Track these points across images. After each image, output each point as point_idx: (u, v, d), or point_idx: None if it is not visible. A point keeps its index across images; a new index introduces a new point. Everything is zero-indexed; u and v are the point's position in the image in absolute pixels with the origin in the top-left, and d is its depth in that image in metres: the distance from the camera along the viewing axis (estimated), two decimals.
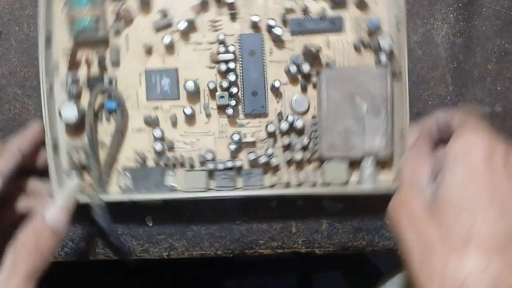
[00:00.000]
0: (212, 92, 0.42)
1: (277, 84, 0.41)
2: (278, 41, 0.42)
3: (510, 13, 0.45)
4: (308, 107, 0.42)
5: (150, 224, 0.45)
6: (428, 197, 0.32)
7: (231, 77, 0.41)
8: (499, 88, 0.45)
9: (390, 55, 0.41)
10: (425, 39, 0.45)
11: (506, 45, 0.45)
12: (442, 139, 0.37)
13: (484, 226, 0.29)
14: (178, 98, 0.42)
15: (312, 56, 0.42)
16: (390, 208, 0.34)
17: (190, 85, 0.41)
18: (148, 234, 0.46)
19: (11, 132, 0.44)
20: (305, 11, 0.42)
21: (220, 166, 0.41)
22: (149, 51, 0.42)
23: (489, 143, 0.31)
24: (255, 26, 0.42)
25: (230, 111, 0.41)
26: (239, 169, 0.42)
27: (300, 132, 0.42)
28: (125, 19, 0.42)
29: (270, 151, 0.42)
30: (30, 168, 0.41)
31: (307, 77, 0.42)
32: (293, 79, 0.42)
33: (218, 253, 0.46)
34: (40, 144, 0.41)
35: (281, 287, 0.96)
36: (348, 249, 0.46)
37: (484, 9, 0.45)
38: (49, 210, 0.36)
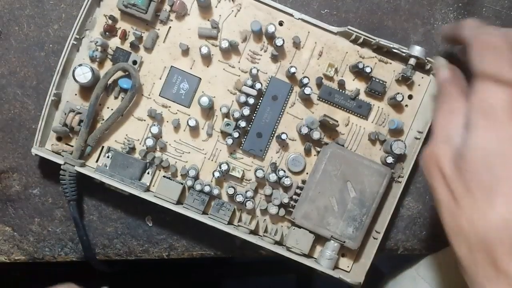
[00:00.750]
0: (222, 115, 0.42)
1: (283, 136, 0.41)
2: (304, 99, 0.43)
3: (510, 13, 0.45)
4: (303, 170, 0.43)
5: (150, 224, 0.45)
6: (457, 150, 0.31)
7: (245, 111, 0.41)
8: None
9: (398, 159, 0.42)
10: (425, 39, 0.45)
11: None
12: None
13: (507, 181, 0.29)
14: (189, 106, 0.42)
15: (326, 127, 0.42)
16: (422, 160, 0.34)
17: (205, 100, 0.41)
18: (148, 234, 0.45)
19: (11, 132, 0.44)
20: (341, 84, 0.42)
21: (198, 187, 0.41)
22: (184, 51, 0.42)
23: (508, 91, 0.30)
24: (289, 75, 0.42)
25: (230, 141, 0.41)
26: (213, 197, 0.42)
27: (285, 189, 0.43)
28: (177, 13, 0.42)
29: (249, 193, 0.42)
30: None
31: (314, 142, 0.42)
32: (301, 138, 0.43)
33: (218, 253, 0.46)
34: None
35: (281, 287, 0.96)
36: None
37: (484, 9, 0.45)
38: None
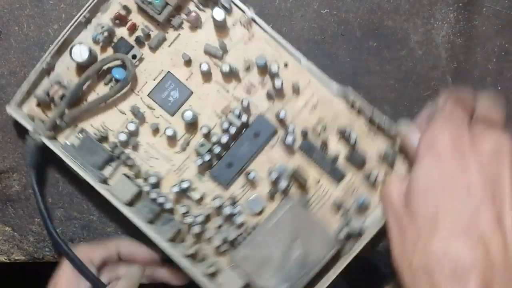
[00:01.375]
0: (202, 135, 0.42)
1: (252, 174, 0.41)
2: (284, 145, 0.42)
3: (510, 13, 0.45)
4: (260, 212, 0.42)
5: None
6: (407, 184, 0.34)
7: (224, 138, 0.41)
8: (499, 88, 0.45)
9: (352, 234, 0.41)
10: (425, 39, 0.44)
11: (507, 45, 0.45)
12: None
13: (448, 211, 0.31)
14: (172, 115, 0.42)
15: (296, 179, 0.41)
16: (380, 193, 0.37)
17: (188, 115, 0.41)
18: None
19: (11, 132, 0.44)
20: (324, 142, 0.42)
21: (153, 195, 0.41)
22: (186, 62, 0.42)
23: (454, 130, 0.33)
24: (278, 118, 0.42)
25: (199, 161, 0.41)
26: (164, 210, 0.42)
27: (236, 226, 0.42)
28: (191, 24, 0.42)
29: (200, 218, 0.41)
30: None
31: (281, 190, 0.42)
32: (269, 182, 0.42)
33: None
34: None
35: None
36: None
37: (484, 9, 0.45)
38: None
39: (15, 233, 0.45)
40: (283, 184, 0.41)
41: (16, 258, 0.46)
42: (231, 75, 0.42)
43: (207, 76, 0.42)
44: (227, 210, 0.41)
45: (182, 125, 0.42)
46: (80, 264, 0.39)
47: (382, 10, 0.45)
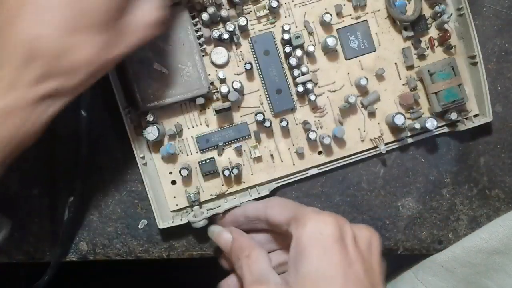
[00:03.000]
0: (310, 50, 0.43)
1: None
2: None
3: (510, 13, 0.45)
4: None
5: (141, 227, 0.44)
6: (283, 284, 0.34)
7: (303, 68, 0.42)
8: (499, 88, 0.45)
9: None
10: None
11: (506, 45, 0.45)
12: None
13: None
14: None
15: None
16: None
17: (332, 42, 0.42)
18: (148, 234, 0.44)
19: None
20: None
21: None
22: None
23: (337, 225, 0.34)
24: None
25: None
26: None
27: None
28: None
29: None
30: None
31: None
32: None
33: (218, 253, 0.44)
34: None
35: None
36: None
37: (484, 9, 0.45)
38: None
39: (15, 233, 0.43)
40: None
41: (16, 258, 0.44)
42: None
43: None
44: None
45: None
46: None
47: None
